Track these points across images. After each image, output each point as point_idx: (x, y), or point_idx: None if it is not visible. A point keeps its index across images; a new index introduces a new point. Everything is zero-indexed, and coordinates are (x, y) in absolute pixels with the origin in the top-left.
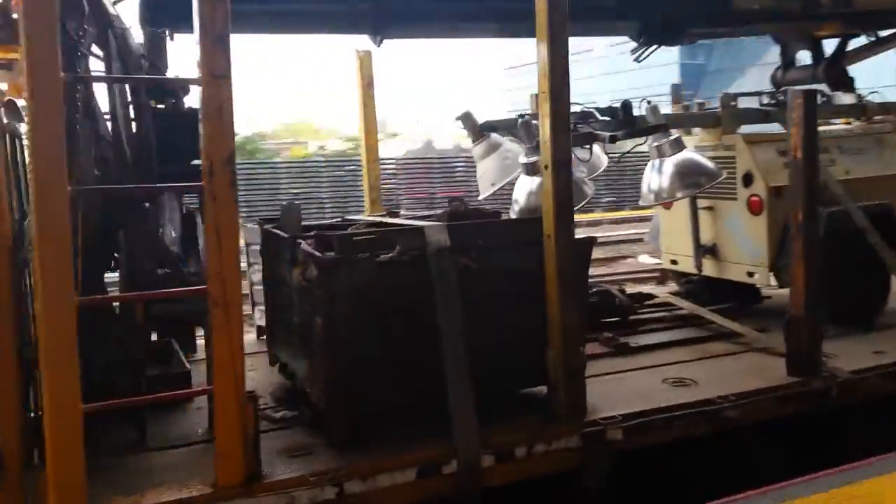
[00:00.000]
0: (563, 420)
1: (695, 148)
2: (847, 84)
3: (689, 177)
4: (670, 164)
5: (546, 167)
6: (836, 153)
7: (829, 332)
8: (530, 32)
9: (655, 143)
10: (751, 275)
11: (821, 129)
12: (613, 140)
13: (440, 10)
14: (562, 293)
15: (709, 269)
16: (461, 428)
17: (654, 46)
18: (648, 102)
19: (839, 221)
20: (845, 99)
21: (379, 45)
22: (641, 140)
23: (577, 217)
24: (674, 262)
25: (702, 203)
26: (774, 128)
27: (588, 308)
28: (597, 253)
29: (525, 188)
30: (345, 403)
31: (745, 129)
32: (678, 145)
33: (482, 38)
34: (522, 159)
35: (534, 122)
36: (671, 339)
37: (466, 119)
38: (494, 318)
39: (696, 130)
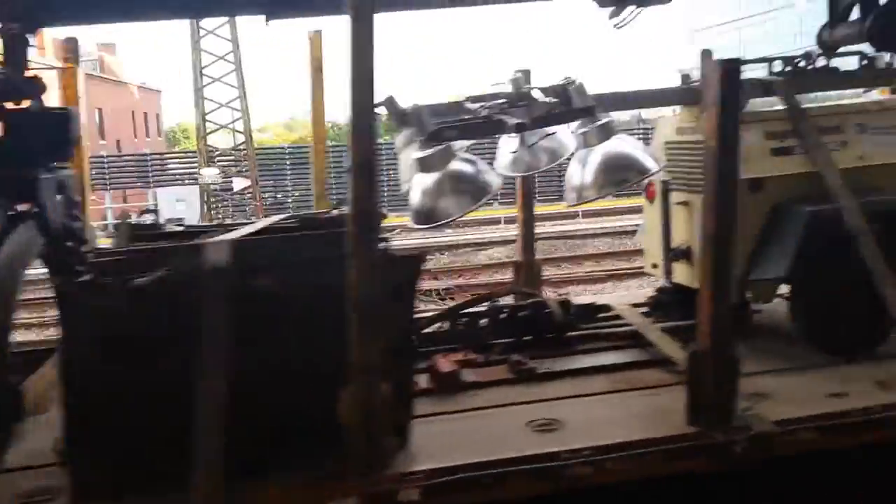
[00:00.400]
0: (351, 475)
1: (676, 131)
2: None
3: (614, 171)
4: (598, 154)
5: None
6: (851, 133)
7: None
8: None
9: (581, 130)
10: None
11: (839, 102)
12: (521, 129)
13: None
14: (358, 322)
15: (681, 276)
16: (203, 486)
17: (632, 8)
18: (574, 81)
19: (828, 223)
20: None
21: (267, 24)
22: None
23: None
24: (654, 265)
25: (677, 197)
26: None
27: (410, 339)
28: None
29: (419, 187)
30: (84, 448)
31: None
32: (605, 132)
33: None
34: (415, 153)
35: (426, 106)
36: (592, 365)
37: (390, 105)
38: (298, 349)
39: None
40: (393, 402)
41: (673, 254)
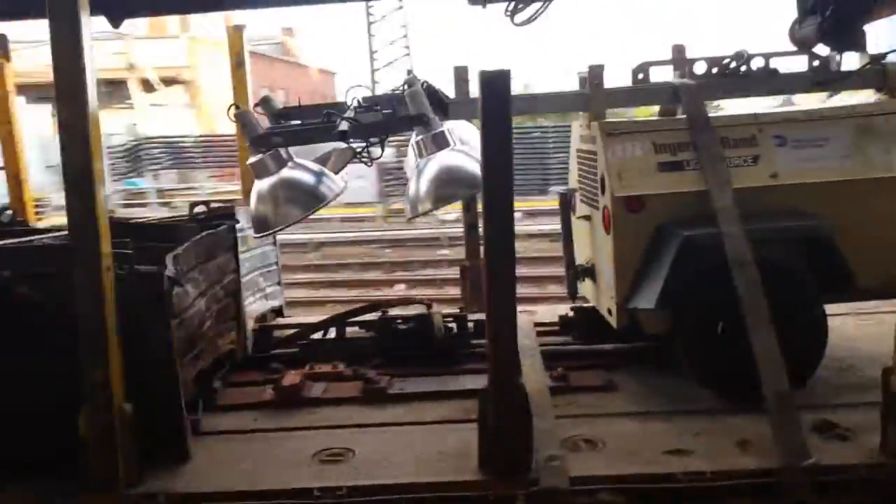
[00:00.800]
0: (86, 492)
1: (580, 138)
2: (856, 43)
3: (445, 185)
4: (434, 166)
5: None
6: (767, 145)
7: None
8: None
9: (415, 140)
10: (610, 311)
11: (762, 109)
12: (343, 137)
13: None
14: (84, 341)
15: (589, 295)
16: None
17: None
18: (411, 85)
19: (708, 250)
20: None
21: (118, 27)
22: None
23: None
24: None
25: (580, 210)
26: None
27: (167, 354)
28: None
29: (255, 194)
30: None
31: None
32: (438, 142)
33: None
34: (250, 158)
35: (249, 109)
36: (444, 389)
37: (267, 104)
38: (47, 361)
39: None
40: (145, 419)
41: (575, 271)
